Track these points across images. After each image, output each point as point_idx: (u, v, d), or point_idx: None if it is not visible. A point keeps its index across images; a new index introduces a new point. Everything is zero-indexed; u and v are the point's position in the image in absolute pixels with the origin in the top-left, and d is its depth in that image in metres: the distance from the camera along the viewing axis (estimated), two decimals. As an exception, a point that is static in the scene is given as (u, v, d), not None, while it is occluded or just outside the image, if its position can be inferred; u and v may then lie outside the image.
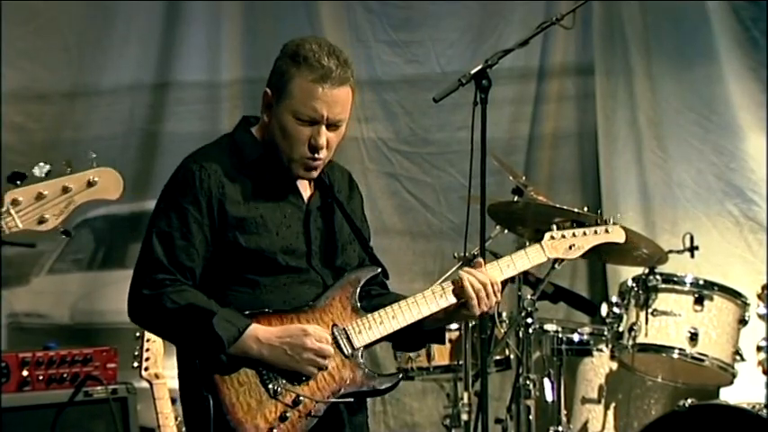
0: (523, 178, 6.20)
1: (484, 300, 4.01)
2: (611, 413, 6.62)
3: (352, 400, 3.94)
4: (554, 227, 4.30)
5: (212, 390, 3.80)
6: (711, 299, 6.18)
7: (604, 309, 6.29)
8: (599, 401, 6.62)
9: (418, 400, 7.40)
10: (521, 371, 6.11)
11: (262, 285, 3.91)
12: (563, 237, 4.29)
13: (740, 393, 6.37)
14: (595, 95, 7.68)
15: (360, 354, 3.94)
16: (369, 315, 3.97)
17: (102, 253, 7.21)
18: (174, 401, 5.58)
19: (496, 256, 5.95)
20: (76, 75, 7.10)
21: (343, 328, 3.94)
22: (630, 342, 6.16)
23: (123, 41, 7.15)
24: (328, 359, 3.86)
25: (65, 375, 5.83)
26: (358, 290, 3.99)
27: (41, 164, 3.43)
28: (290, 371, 3.84)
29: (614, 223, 4.44)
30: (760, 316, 6.19)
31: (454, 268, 5.99)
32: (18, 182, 3.39)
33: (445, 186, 7.54)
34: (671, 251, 6.28)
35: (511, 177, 6.15)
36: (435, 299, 4.02)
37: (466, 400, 6.09)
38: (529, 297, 6.05)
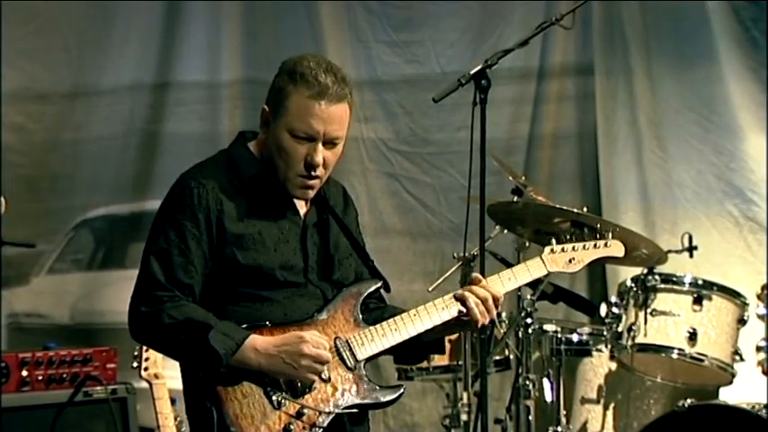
0: (523, 178, 6.20)
1: (484, 313, 4.02)
2: (610, 413, 6.63)
3: (356, 411, 3.95)
4: (553, 240, 4.32)
5: (216, 402, 3.80)
6: (710, 299, 6.18)
7: (603, 309, 6.29)
8: (598, 402, 6.62)
9: (418, 400, 7.40)
10: (520, 371, 6.11)
11: (261, 300, 3.91)
12: (563, 251, 4.30)
13: (739, 393, 6.37)
14: (595, 95, 7.68)
15: (363, 366, 3.95)
16: (371, 327, 3.97)
17: (101, 253, 7.21)
18: (173, 402, 5.58)
19: (496, 257, 6.00)
20: (76, 75, 7.11)
21: (346, 341, 3.94)
22: (630, 342, 6.16)
23: (123, 41, 7.16)
24: (327, 366, 3.86)
25: (64, 375, 5.83)
26: (360, 303, 4.00)
27: None
28: (293, 382, 3.85)
29: (615, 233, 4.44)
30: (759, 316, 6.19)
31: (454, 268, 6.03)
32: None
33: (445, 186, 7.54)
34: (670, 251, 6.28)
35: (510, 177, 6.15)
36: (438, 311, 4.03)
37: (465, 401, 6.09)
38: (528, 297, 6.05)
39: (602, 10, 7.63)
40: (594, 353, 6.41)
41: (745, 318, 6.23)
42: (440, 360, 6.21)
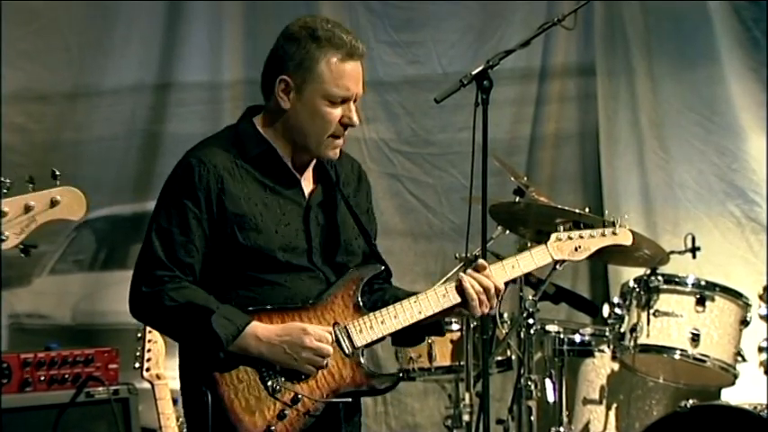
0: (525, 179, 6.20)
1: (485, 302, 4.01)
2: (612, 414, 6.62)
3: (350, 399, 3.94)
4: (560, 227, 4.29)
5: (211, 386, 3.80)
6: (713, 300, 6.17)
7: (606, 309, 6.29)
8: (600, 402, 6.61)
9: (420, 400, 7.40)
10: (522, 371, 6.11)
11: (263, 283, 3.90)
12: (569, 238, 4.26)
13: (742, 394, 6.37)
14: (597, 96, 7.68)
15: (360, 353, 3.94)
16: (371, 314, 3.95)
17: (103, 254, 7.21)
18: (175, 402, 5.58)
19: (498, 257, 5.97)
20: (77, 75, 7.10)
21: (345, 327, 3.93)
22: (632, 343, 6.16)
23: (124, 42, 7.15)
24: (327, 359, 3.86)
25: (66, 376, 5.83)
26: (360, 288, 3.98)
27: (2, 179, 3.34)
28: (289, 369, 3.84)
29: (621, 225, 4.42)
30: (761, 317, 6.19)
31: (456, 269, 6.03)
32: None
33: (447, 187, 7.54)
34: (672, 252, 6.28)
35: (512, 178, 6.15)
36: (438, 299, 4.01)
37: (467, 401, 6.09)
38: (530, 298, 6.05)
39: (604, 10, 7.63)
40: (597, 353, 6.41)
41: (748, 319, 6.23)
42: (442, 360, 6.21)
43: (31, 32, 7.01)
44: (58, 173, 3.37)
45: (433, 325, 4.12)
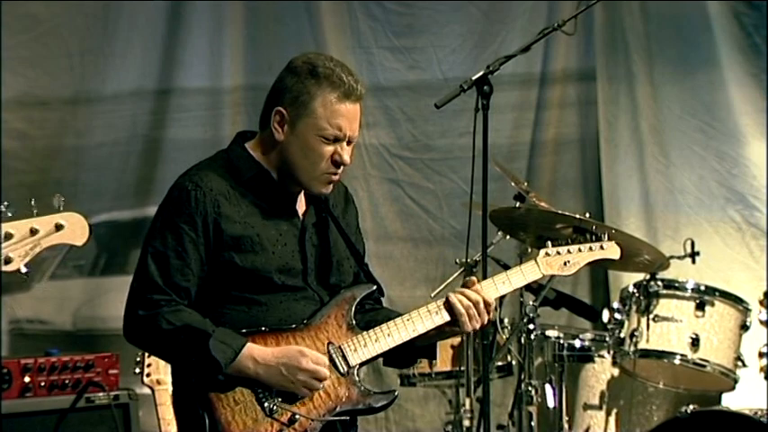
0: (525, 184, 6.20)
1: (474, 317, 4.01)
2: (612, 419, 6.62)
3: (347, 418, 3.95)
4: (549, 243, 4.31)
5: (208, 408, 3.81)
6: (713, 305, 6.17)
7: (606, 315, 6.29)
8: (601, 407, 6.61)
9: (420, 406, 7.40)
10: (522, 377, 6.11)
11: (258, 304, 3.92)
12: (557, 253, 4.29)
13: (742, 399, 6.37)
14: (597, 102, 7.69)
15: (355, 371, 3.95)
16: (364, 332, 3.97)
17: (104, 259, 7.21)
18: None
19: (498, 263, 6.00)
20: (78, 81, 7.10)
21: (339, 346, 3.94)
22: (632, 348, 6.16)
23: (125, 48, 7.15)
24: (323, 382, 3.86)
25: (67, 381, 5.83)
26: (353, 307, 4.00)
27: (5, 204, 3.38)
28: (285, 391, 3.85)
29: (609, 239, 4.43)
30: (762, 322, 6.19)
31: (456, 274, 6.03)
32: None
33: (447, 192, 7.54)
34: (672, 257, 6.28)
35: (513, 183, 6.15)
36: (431, 316, 4.02)
37: (468, 407, 6.08)
38: (531, 303, 6.05)
39: (604, 16, 7.63)
40: (597, 359, 6.40)
41: (748, 323, 6.23)
42: (442, 366, 6.21)
43: (33, 38, 7.01)
44: (62, 199, 3.40)
45: (427, 348, 4.13)
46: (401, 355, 4.08)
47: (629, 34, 7.62)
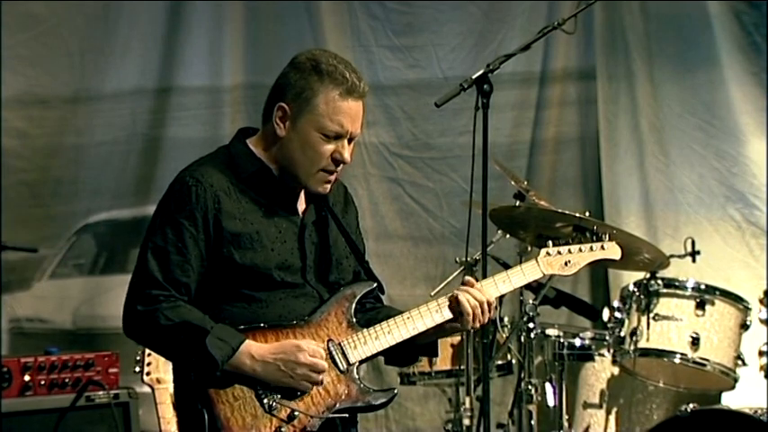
0: (525, 183, 6.20)
1: (479, 317, 4.01)
2: (612, 418, 6.62)
3: (347, 415, 3.95)
4: (549, 243, 4.31)
5: (207, 404, 3.81)
6: (713, 303, 6.17)
7: (606, 313, 6.29)
8: (601, 406, 6.61)
9: (420, 404, 7.40)
10: (522, 375, 6.11)
11: (257, 300, 3.91)
12: (558, 253, 4.28)
13: (742, 398, 6.37)
14: (597, 100, 7.68)
15: (355, 369, 3.94)
16: (364, 330, 3.96)
17: (103, 258, 7.21)
18: (175, 407, 5.57)
19: (498, 261, 6.00)
20: (78, 80, 7.11)
21: (339, 343, 3.93)
22: (632, 347, 6.16)
23: (125, 46, 7.16)
24: (323, 374, 3.86)
25: (67, 380, 5.83)
26: (353, 305, 3.99)
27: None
28: (285, 387, 3.84)
29: (610, 240, 4.43)
30: (762, 321, 6.19)
31: (456, 273, 6.03)
32: None
33: (447, 191, 7.54)
34: (672, 256, 6.28)
35: (512, 182, 6.15)
36: (431, 314, 4.02)
37: (468, 405, 6.08)
38: (531, 302, 6.05)
39: (604, 15, 7.63)
40: (597, 357, 6.40)
41: (748, 322, 6.23)
42: (442, 364, 6.21)
43: (33, 38, 7.02)
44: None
45: (427, 346, 4.12)
46: (402, 353, 4.08)
47: (629, 33, 7.61)
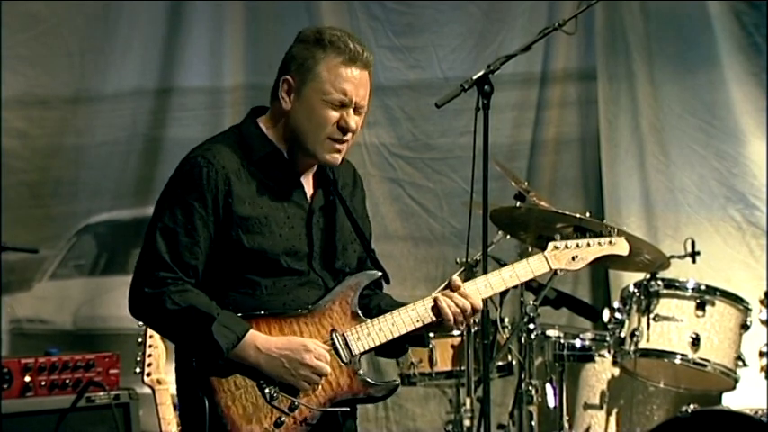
0: (525, 184, 6.20)
1: (461, 321, 4.00)
2: (613, 419, 6.61)
3: (348, 408, 3.95)
4: (557, 236, 4.28)
5: (208, 392, 3.80)
6: (713, 304, 6.17)
7: (606, 314, 6.29)
8: (601, 407, 6.61)
9: (420, 405, 7.40)
10: (523, 376, 6.11)
11: (262, 287, 3.90)
12: (566, 247, 4.25)
13: (742, 399, 6.37)
14: (598, 101, 7.68)
15: (357, 360, 3.94)
16: (368, 321, 3.95)
17: (104, 259, 7.22)
18: (176, 407, 5.57)
19: (499, 262, 5.99)
20: (79, 80, 7.12)
21: (342, 334, 3.93)
22: (632, 347, 6.15)
23: (126, 47, 7.17)
24: (324, 377, 3.86)
25: (67, 381, 5.82)
26: (358, 294, 3.98)
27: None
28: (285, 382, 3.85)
29: (619, 235, 4.41)
30: (762, 321, 6.18)
31: (456, 273, 6.02)
32: None
33: (447, 192, 7.54)
34: (673, 256, 6.27)
35: (513, 183, 6.14)
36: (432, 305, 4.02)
37: (468, 406, 6.08)
38: (531, 303, 6.05)
39: (605, 15, 7.63)
40: (597, 358, 6.40)
41: (748, 323, 6.22)
42: (443, 365, 6.21)
43: (33, 38, 7.02)
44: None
45: (418, 337, 4.10)
46: (392, 346, 4.05)
47: (629, 34, 7.62)
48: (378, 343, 3.95)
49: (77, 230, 7.14)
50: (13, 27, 6.89)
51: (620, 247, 4.39)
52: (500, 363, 6.27)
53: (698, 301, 6.17)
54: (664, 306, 6.17)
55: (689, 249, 6.36)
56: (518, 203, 6.03)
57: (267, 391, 3.83)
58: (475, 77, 4.47)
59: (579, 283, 7.53)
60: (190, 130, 7.22)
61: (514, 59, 4.69)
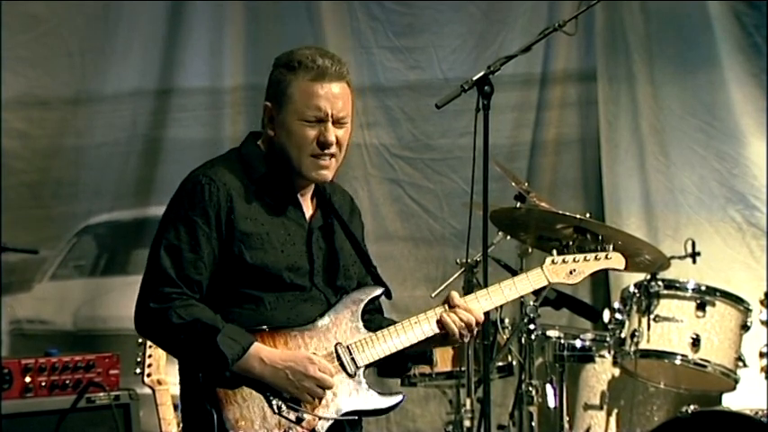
0: (526, 184, 6.20)
1: (466, 335, 4.03)
2: (613, 419, 6.61)
3: (355, 417, 3.96)
4: (554, 251, 4.32)
5: (216, 405, 3.81)
6: (713, 305, 6.17)
7: (607, 315, 6.29)
8: (601, 408, 6.60)
9: (421, 406, 7.40)
10: (523, 377, 6.11)
11: (266, 302, 3.92)
12: (563, 262, 4.30)
13: (743, 399, 6.37)
14: (598, 102, 7.68)
15: (363, 372, 3.96)
16: (372, 334, 3.97)
17: (104, 259, 7.22)
18: (176, 408, 5.57)
19: (499, 263, 6.00)
20: (79, 81, 7.12)
21: (347, 347, 3.95)
22: (633, 348, 6.15)
23: (126, 48, 7.17)
24: (327, 390, 3.87)
25: (67, 382, 5.83)
26: (361, 309, 4.00)
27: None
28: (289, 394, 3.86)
29: (614, 250, 4.45)
30: (762, 322, 6.18)
31: (457, 274, 6.03)
32: None
33: (448, 192, 7.54)
34: (673, 257, 6.28)
35: (513, 183, 6.14)
36: (437, 318, 4.03)
37: (468, 407, 6.08)
38: (531, 303, 6.05)
39: (605, 16, 7.63)
40: (597, 359, 6.40)
41: (749, 324, 6.23)
42: (443, 366, 6.21)
43: (33, 38, 7.03)
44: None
45: (421, 354, 4.14)
46: (395, 365, 4.09)
47: (629, 34, 7.62)
48: (382, 355, 3.97)
49: (77, 231, 7.14)
50: (14, 28, 6.89)
51: (617, 262, 4.44)
52: (500, 363, 6.27)
53: (698, 301, 6.17)
54: (664, 307, 6.17)
55: (689, 250, 6.36)
56: (518, 204, 6.03)
57: (274, 402, 3.84)
58: (475, 78, 4.48)
59: (579, 284, 7.50)
60: (190, 131, 7.23)
61: (514, 60, 4.69)
